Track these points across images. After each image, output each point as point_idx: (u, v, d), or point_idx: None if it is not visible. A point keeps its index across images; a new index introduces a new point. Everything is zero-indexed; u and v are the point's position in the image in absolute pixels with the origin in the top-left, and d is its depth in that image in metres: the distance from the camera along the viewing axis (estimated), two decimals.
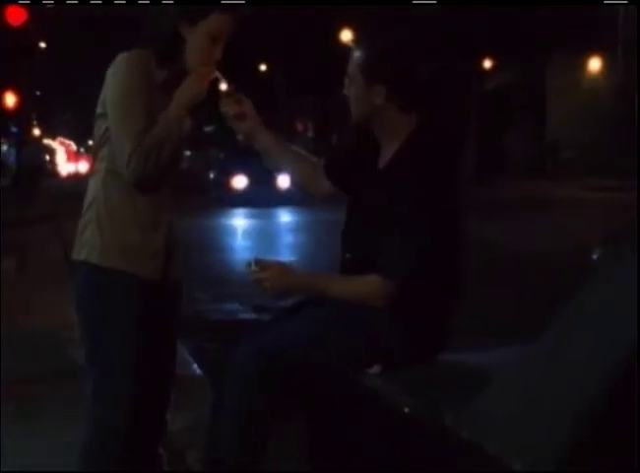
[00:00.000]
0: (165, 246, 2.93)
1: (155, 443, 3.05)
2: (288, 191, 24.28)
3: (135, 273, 2.85)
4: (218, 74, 2.95)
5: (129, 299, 2.85)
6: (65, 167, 55.05)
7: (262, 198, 23.13)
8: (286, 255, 13.53)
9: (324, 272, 3.11)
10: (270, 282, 2.96)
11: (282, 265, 3.04)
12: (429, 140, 2.98)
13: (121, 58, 2.82)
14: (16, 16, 16.49)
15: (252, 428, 2.78)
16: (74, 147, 75.13)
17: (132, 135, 2.75)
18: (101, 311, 2.86)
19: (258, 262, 3.00)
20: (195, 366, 4.65)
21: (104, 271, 2.84)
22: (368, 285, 2.85)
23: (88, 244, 2.88)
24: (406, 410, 2.53)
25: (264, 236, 16.88)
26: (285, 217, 20.69)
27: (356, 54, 3.01)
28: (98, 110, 2.90)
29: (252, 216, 21.13)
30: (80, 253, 2.90)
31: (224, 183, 24.87)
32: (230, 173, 24.74)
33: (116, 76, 2.82)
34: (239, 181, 24.62)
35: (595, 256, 2.19)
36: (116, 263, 2.85)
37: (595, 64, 34.30)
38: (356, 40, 3.13)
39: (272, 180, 24.48)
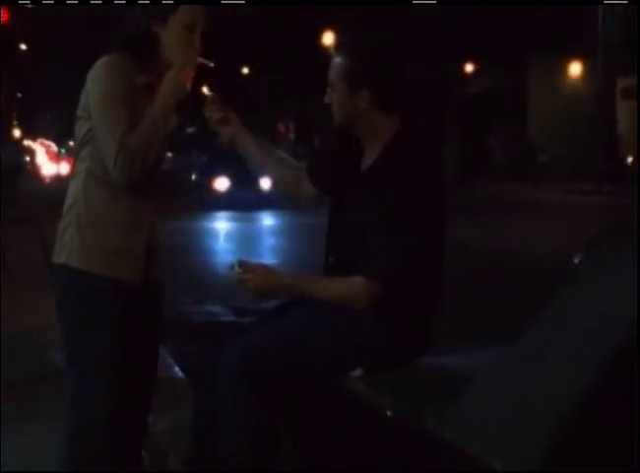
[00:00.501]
0: (147, 249, 2.92)
1: (137, 445, 3.04)
2: (270, 193, 24.36)
3: (115, 277, 2.84)
4: (202, 60, 2.94)
5: (108, 302, 2.83)
6: (46, 168, 54.77)
7: (244, 200, 23.13)
8: (268, 258, 13.52)
9: (308, 274, 3.11)
10: (253, 284, 2.96)
11: (265, 267, 3.04)
12: (412, 141, 2.99)
13: (101, 62, 2.82)
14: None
15: (236, 430, 2.78)
16: (54, 148, 74.78)
17: (117, 136, 2.74)
18: (81, 315, 2.85)
19: (242, 264, 3.00)
20: (176, 368, 4.63)
21: (84, 274, 2.83)
22: (351, 286, 2.86)
23: (67, 247, 2.86)
24: (388, 412, 2.54)
25: (246, 238, 16.86)
26: (267, 220, 20.68)
27: (338, 61, 2.98)
28: (79, 113, 2.89)
29: (234, 219, 21.10)
30: (60, 256, 2.88)
31: (205, 185, 24.82)
32: (212, 175, 24.69)
33: (97, 80, 2.81)
34: (221, 183, 24.57)
35: (576, 260, 2.21)
36: (96, 267, 2.83)
37: (575, 68, 34.50)
38: (337, 46, 3.08)
39: (254, 183, 24.52)
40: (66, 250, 2.86)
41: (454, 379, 2.56)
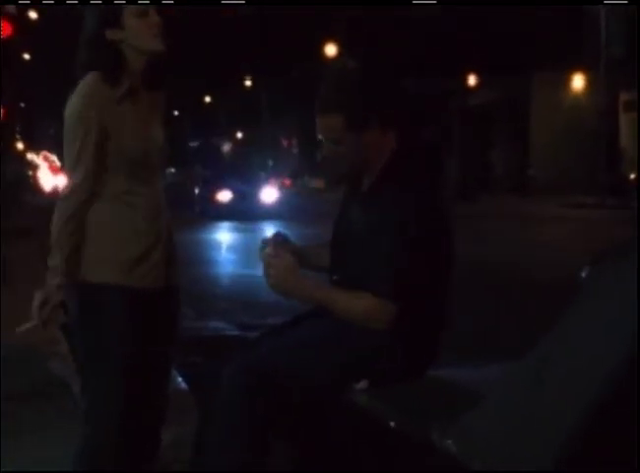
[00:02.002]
0: (166, 254, 2.94)
1: (148, 459, 3.05)
2: (272, 206, 24.70)
3: (137, 286, 2.88)
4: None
5: (130, 312, 2.86)
6: (48, 182, 54.78)
7: (246, 212, 23.44)
8: None
9: (327, 284, 3.04)
10: (274, 276, 2.90)
11: (291, 261, 2.94)
12: (412, 159, 2.98)
13: (76, 90, 2.85)
14: (2, 28, 16.35)
15: (241, 445, 2.77)
16: (57, 162, 74.78)
17: (77, 174, 2.83)
18: (101, 329, 2.87)
19: (274, 243, 2.95)
20: (180, 380, 4.63)
21: (104, 288, 2.86)
22: (371, 306, 2.80)
23: (82, 264, 2.88)
24: (392, 426, 2.53)
25: (249, 250, 16.85)
26: (269, 231, 20.67)
27: (329, 121, 2.87)
28: None
29: (236, 229, 21.14)
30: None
31: (209, 198, 25.26)
32: (215, 189, 25.15)
33: (67, 112, 2.86)
34: (224, 196, 25.02)
35: (583, 274, 2.20)
36: (116, 278, 2.86)
37: (578, 82, 34.56)
38: (321, 108, 2.92)
39: (256, 195, 24.92)
40: (81, 267, 2.87)
41: (458, 394, 2.56)
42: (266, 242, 3.00)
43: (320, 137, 2.98)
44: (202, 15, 33.44)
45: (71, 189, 2.83)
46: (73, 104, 2.84)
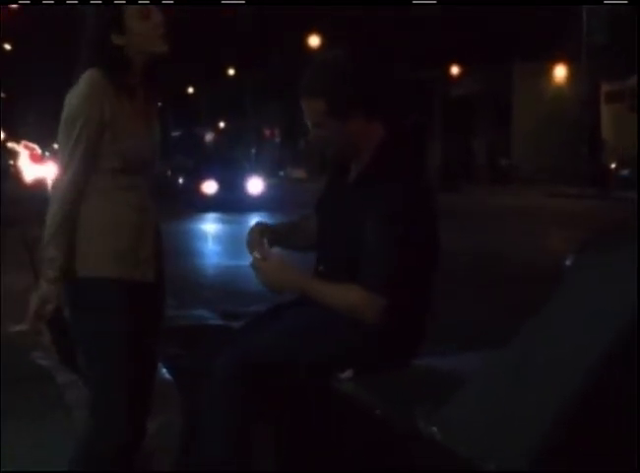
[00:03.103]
0: (155, 246, 2.95)
1: (136, 447, 3.07)
2: (258, 197, 24.37)
3: (129, 278, 2.89)
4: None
5: (125, 305, 2.87)
6: (30, 171, 54.53)
7: (233, 203, 23.04)
8: None
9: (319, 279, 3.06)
10: (265, 274, 2.95)
11: (280, 260, 2.99)
12: (398, 149, 2.98)
13: (77, 84, 2.85)
14: None
15: (229, 434, 2.77)
16: (39, 151, 74.46)
17: (69, 168, 2.82)
18: (98, 321, 2.87)
19: (261, 250, 3.00)
20: (164, 370, 4.63)
21: (99, 281, 2.86)
22: (360, 300, 2.81)
23: (76, 259, 2.88)
24: (378, 414, 2.54)
25: (234, 241, 16.84)
26: (255, 222, 20.60)
27: (312, 104, 2.90)
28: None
29: (222, 221, 21.07)
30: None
31: (193, 189, 24.77)
32: (200, 179, 24.64)
33: (66, 104, 2.86)
34: (209, 187, 24.53)
35: (567, 262, 2.21)
36: (110, 272, 2.87)
37: (560, 72, 34.68)
38: (305, 92, 2.93)
39: (242, 186, 24.55)
40: (75, 262, 2.88)
41: (443, 382, 2.57)
42: (251, 234, 3.02)
43: (306, 121, 3.00)
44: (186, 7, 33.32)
45: (67, 182, 2.83)
46: (73, 99, 2.85)
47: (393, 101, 3.09)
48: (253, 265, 2.99)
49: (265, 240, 3.06)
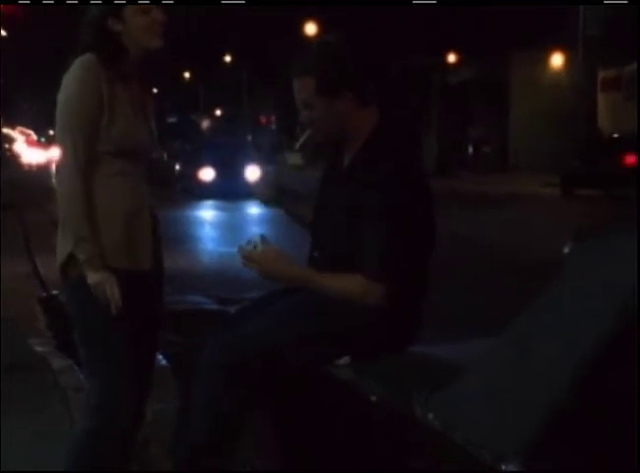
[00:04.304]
0: (137, 237, 2.94)
1: (134, 434, 3.08)
2: (255, 183, 24.07)
3: (128, 267, 2.88)
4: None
5: (124, 293, 2.85)
6: (25, 156, 54.46)
7: (230, 190, 22.79)
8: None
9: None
10: (261, 264, 2.94)
11: (277, 250, 2.99)
12: (391, 134, 2.98)
13: (74, 65, 2.86)
14: None
15: (215, 419, 2.78)
16: (34, 136, 74.36)
17: (70, 156, 2.81)
18: (98, 311, 2.86)
19: (263, 241, 2.98)
20: (160, 357, 4.62)
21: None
22: (361, 288, 2.82)
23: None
24: (375, 400, 2.54)
25: (231, 227, 16.84)
26: (252, 209, 20.55)
27: (304, 81, 2.94)
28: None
29: (219, 208, 21.01)
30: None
31: (190, 175, 24.56)
32: (197, 165, 24.39)
33: (66, 86, 2.87)
34: (207, 173, 24.27)
35: (566, 249, 2.21)
36: (110, 261, 2.86)
37: (557, 60, 34.63)
38: (295, 70, 2.98)
39: (240, 172, 24.30)
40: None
41: (440, 369, 2.57)
42: (250, 242, 3.00)
43: (298, 105, 3.00)
44: None
45: (69, 168, 2.81)
46: (70, 81, 2.86)
47: (387, 87, 3.09)
48: (245, 255, 2.97)
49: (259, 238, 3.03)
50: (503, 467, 1.94)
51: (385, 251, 2.80)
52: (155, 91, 3.27)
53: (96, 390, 2.94)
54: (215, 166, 24.07)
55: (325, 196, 3.09)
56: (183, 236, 14.23)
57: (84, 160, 2.83)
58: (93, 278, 2.80)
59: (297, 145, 3.17)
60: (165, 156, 27.90)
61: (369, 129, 2.95)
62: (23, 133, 67.69)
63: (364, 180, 2.87)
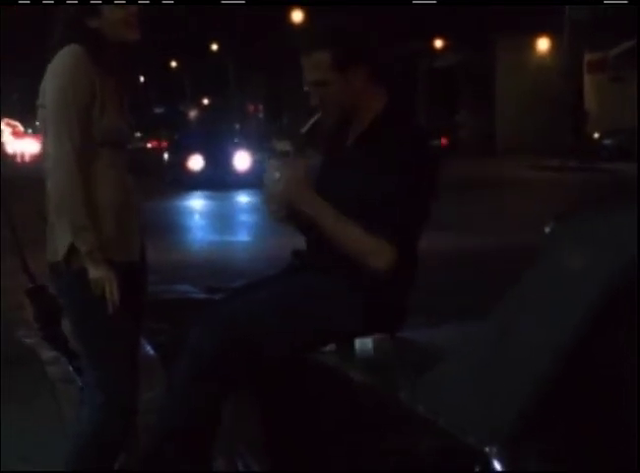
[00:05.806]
0: (125, 228, 2.95)
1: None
2: (246, 173, 23.91)
3: (118, 259, 2.88)
4: None
5: (118, 285, 2.86)
6: (11, 148, 54.22)
7: (219, 179, 22.63)
8: (242, 235, 13.50)
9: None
10: (284, 182, 2.88)
11: (304, 172, 2.92)
12: (402, 110, 2.98)
13: (62, 54, 2.85)
14: None
15: (206, 407, 2.78)
16: (21, 128, 73.99)
17: (62, 148, 2.79)
18: (91, 304, 2.86)
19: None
20: (148, 347, 4.62)
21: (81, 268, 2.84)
22: (379, 245, 2.78)
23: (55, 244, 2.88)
24: (361, 386, 2.55)
25: (221, 216, 16.80)
26: (242, 197, 20.50)
27: (317, 56, 2.84)
28: (39, 100, 2.93)
29: (209, 197, 20.93)
30: (57, 254, 2.89)
31: (179, 165, 24.33)
32: (186, 154, 24.17)
33: (54, 75, 2.85)
34: (195, 162, 24.06)
35: (547, 229, 2.22)
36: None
37: (543, 44, 34.62)
38: (309, 46, 2.87)
39: (229, 161, 24.12)
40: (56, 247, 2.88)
41: (425, 354, 2.58)
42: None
43: (306, 88, 2.94)
44: None
45: (66, 157, 2.80)
46: (61, 71, 2.84)
47: (392, 65, 3.10)
48: (269, 169, 2.91)
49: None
50: (487, 450, 1.95)
51: (400, 214, 2.79)
52: (142, 80, 3.29)
53: (103, 384, 2.94)
54: (203, 154, 23.90)
55: (326, 175, 3.04)
56: (172, 226, 14.22)
57: (80, 149, 2.81)
58: (93, 273, 2.80)
59: (304, 130, 3.15)
60: (149, 145, 27.73)
61: (380, 106, 2.92)
62: (9, 125, 67.30)
63: (382, 145, 2.82)
